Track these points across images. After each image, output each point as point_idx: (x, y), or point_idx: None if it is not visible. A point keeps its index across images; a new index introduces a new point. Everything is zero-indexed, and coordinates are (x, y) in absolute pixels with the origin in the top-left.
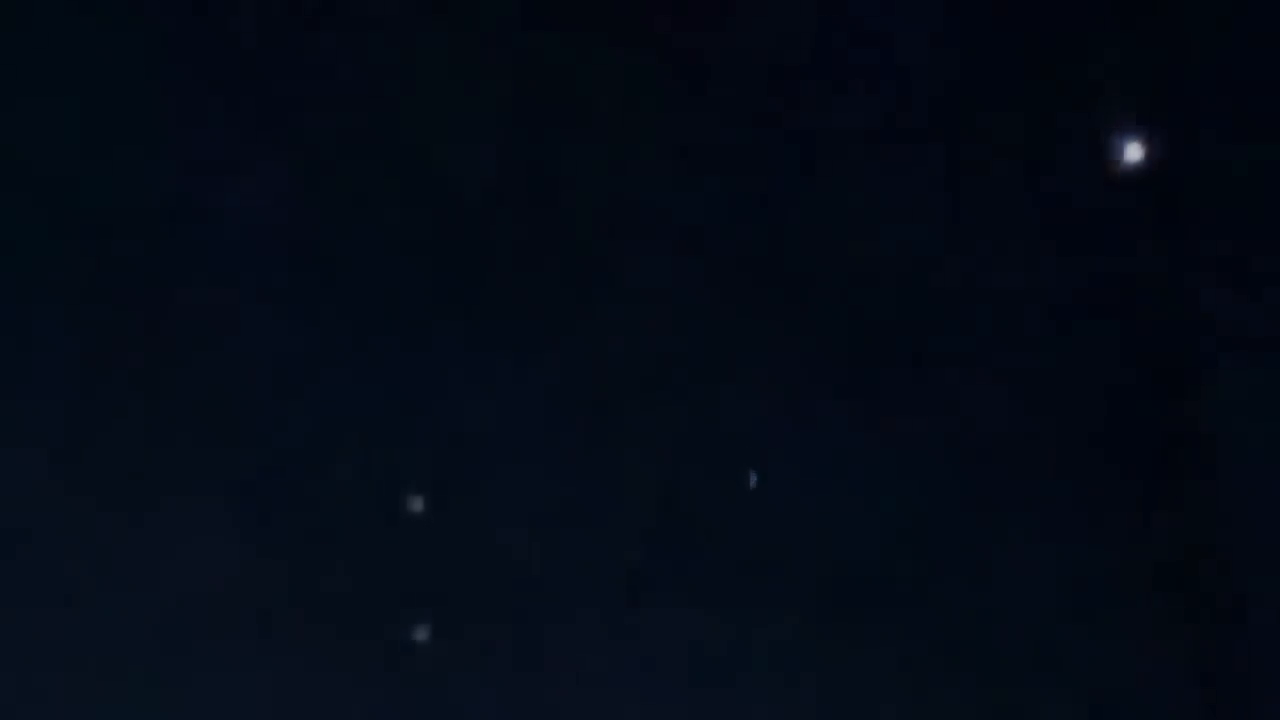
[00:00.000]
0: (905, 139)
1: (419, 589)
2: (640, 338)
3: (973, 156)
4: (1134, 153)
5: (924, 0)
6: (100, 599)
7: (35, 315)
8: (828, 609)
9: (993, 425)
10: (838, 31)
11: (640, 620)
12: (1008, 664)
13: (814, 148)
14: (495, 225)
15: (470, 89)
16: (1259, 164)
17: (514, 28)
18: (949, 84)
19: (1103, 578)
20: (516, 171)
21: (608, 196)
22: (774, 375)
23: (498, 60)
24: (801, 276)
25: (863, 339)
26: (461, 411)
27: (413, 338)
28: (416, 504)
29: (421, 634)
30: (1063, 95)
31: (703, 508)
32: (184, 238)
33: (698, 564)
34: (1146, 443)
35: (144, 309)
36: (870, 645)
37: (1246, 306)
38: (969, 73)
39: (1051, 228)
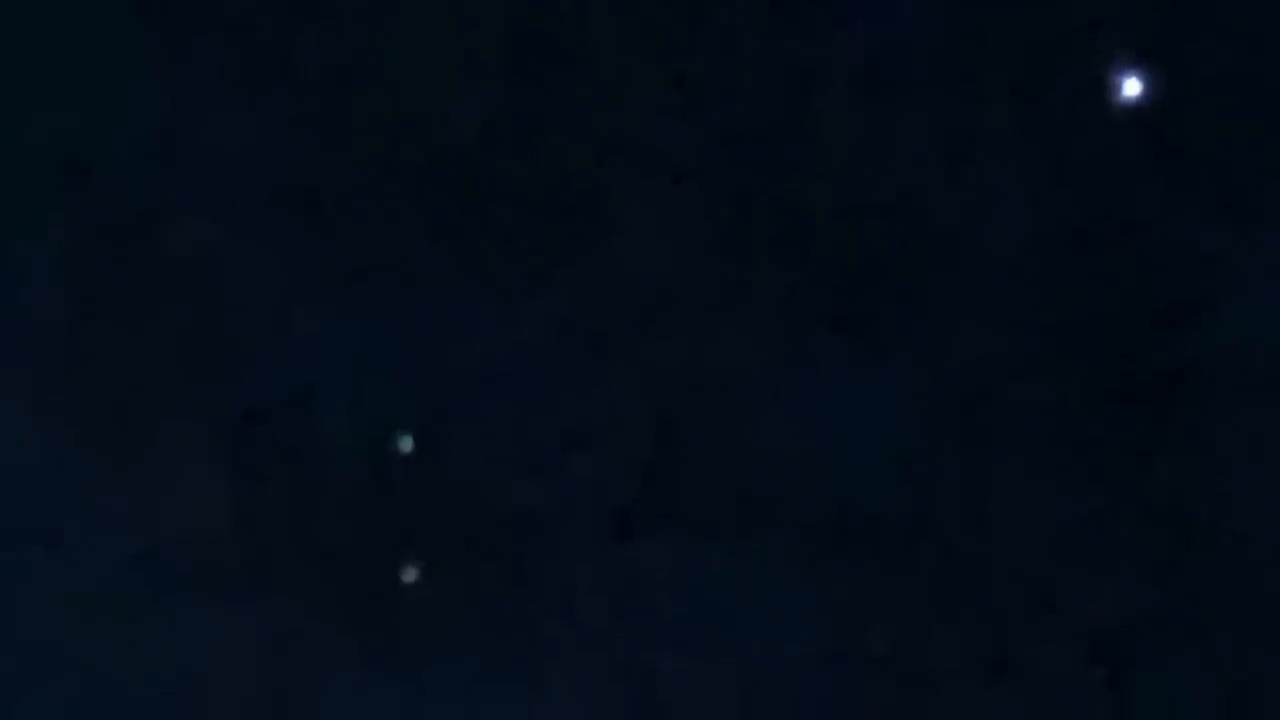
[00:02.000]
0: (903, 74)
1: (408, 528)
2: (633, 274)
3: (970, 93)
4: (1132, 89)
5: None
6: (86, 540)
7: (21, 252)
8: (821, 546)
9: (989, 363)
10: None
11: (632, 557)
12: (1003, 602)
13: (811, 83)
14: (487, 161)
15: (462, 23)
16: (1259, 101)
17: None
18: (947, 19)
19: (1099, 517)
20: (509, 106)
21: (601, 131)
22: (770, 311)
23: None
24: (798, 212)
25: (858, 275)
26: (452, 349)
27: (404, 274)
28: (406, 443)
29: (411, 574)
30: (1061, 31)
31: (696, 444)
32: (173, 174)
33: (690, 501)
34: (1144, 382)
35: (131, 246)
36: (863, 583)
37: (1245, 245)
38: (967, 7)
39: (1049, 165)
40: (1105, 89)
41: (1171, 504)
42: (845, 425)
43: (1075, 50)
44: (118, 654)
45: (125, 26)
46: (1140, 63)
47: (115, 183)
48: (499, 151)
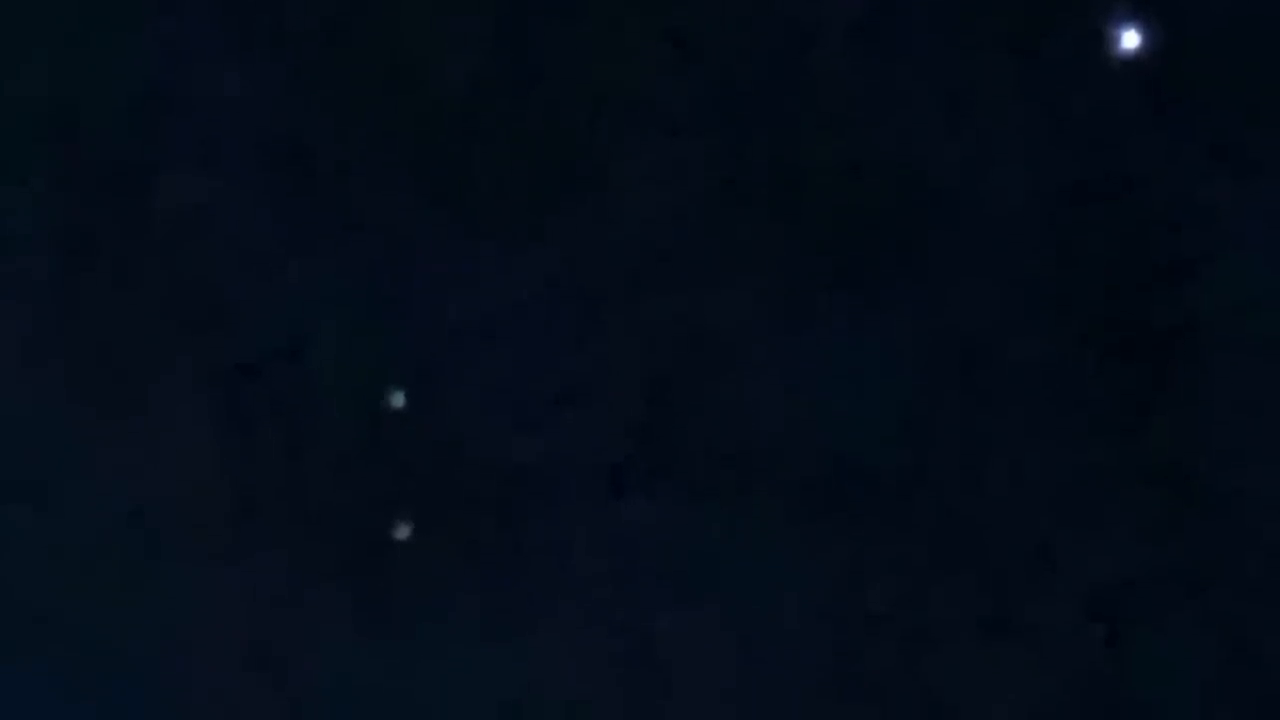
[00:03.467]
0: (901, 29)
1: (400, 485)
2: (629, 229)
3: (967, 47)
4: (1130, 41)
5: None
6: (77, 497)
7: (10, 205)
8: (817, 504)
9: (987, 320)
10: None
11: (626, 514)
12: (1000, 560)
13: (808, 37)
14: (482, 115)
15: None
16: (1257, 53)
17: None
18: None
19: (1097, 475)
20: (504, 60)
21: (597, 86)
22: (767, 268)
23: None
24: (795, 168)
25: (856, 231)
26: (446, 304)
27: (397, 229)
28: (398, 399)
29: (403, 531)
30: None
31: (692, 401)
32: (164, 128)
33: (686, 458)
34: (1143, 338)
35: (123, 201)
36: (860, 541)
37: (1244, 199)
38: None
39: (1047, 119)
40: (1103, 42)
41: (1171, 461)
42: (843, 382)
43: (1073, 3)
44: (108, 610)
45: None
46: (1138, 15)
47: (107, 136)
48: (493, 106)
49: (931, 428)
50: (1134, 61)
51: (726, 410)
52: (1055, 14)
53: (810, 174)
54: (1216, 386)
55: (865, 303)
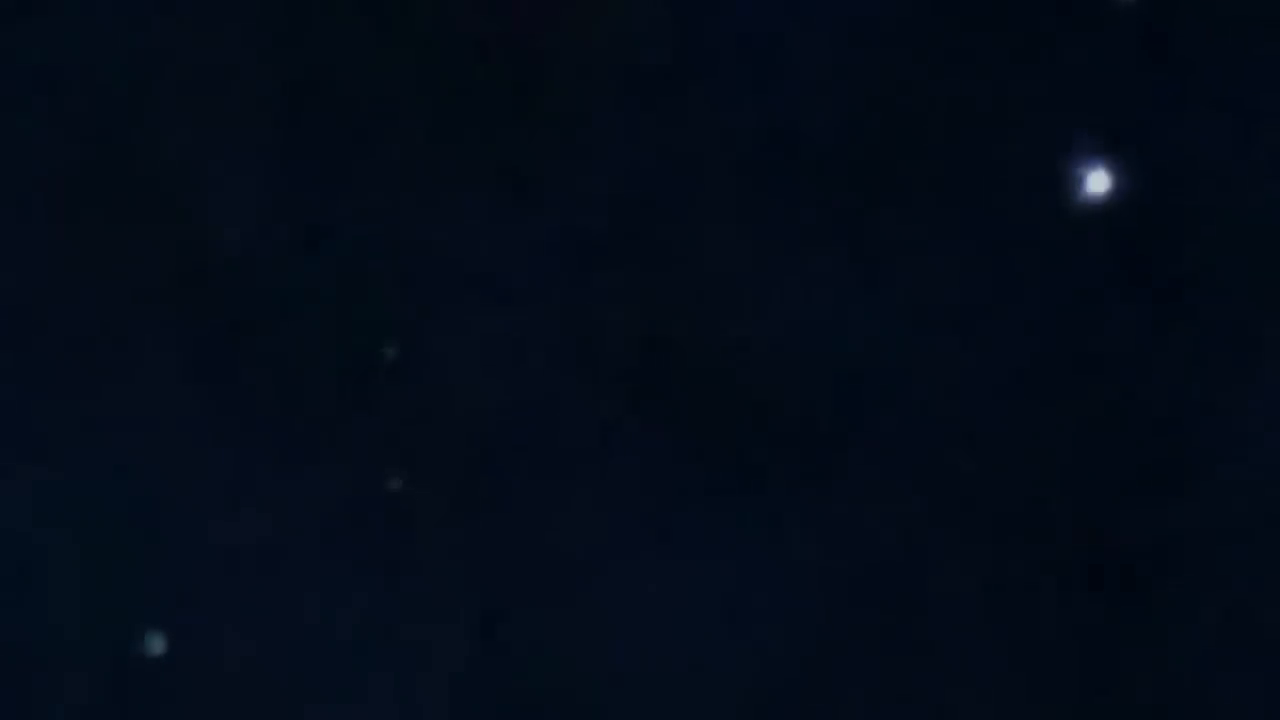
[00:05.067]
0: (804, 162)
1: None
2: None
3: (890, 184)
4: (1098, 184)
5: None
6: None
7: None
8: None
9: (912, 540)
10: None
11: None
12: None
13: (683, 171)
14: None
15: None
16: (1262, 200)
17: None
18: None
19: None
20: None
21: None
22: (624, 475)
23: None
24: (661, 344)
25: (740, 429)
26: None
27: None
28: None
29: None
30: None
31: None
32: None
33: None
34: (1110, 565)
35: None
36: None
37: (1250, 389)
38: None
39: (992, 279)
40: (1065, 183)
41: (1147, 715)
42: (723, 622)
43: (1026, 133)
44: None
45: None
46: (1109, 150)
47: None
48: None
49: (838, 682)
50: (1103, 209)
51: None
52: (1000, 147)
53: (679, 354)
54: (1204, 627)
55: (752, 522)
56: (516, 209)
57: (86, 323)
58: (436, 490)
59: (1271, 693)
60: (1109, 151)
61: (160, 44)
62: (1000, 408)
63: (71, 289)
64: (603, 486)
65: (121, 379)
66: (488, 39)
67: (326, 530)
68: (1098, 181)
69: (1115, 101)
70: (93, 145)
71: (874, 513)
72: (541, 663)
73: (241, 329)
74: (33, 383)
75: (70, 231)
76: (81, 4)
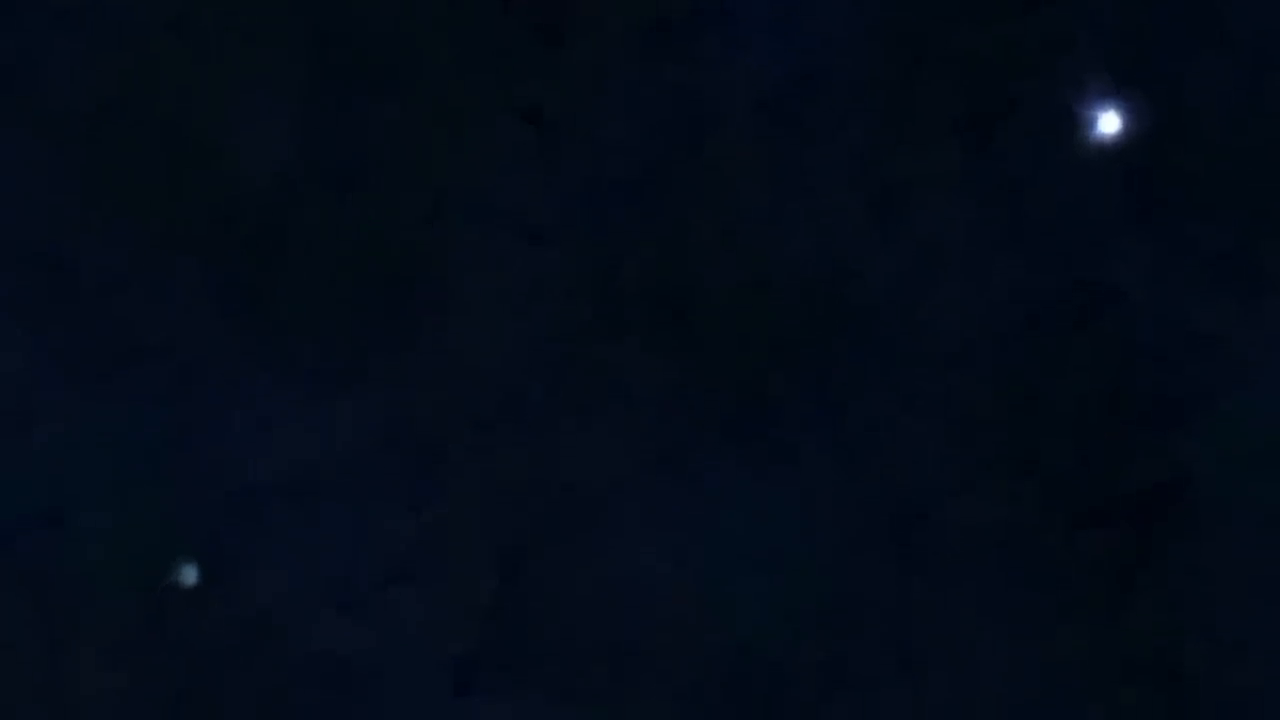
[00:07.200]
0: (820, 106)
1: (190, 680)
2: (474, 362)
3: (901, 130)
4: (1109, 124)
5: None
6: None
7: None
8: (710, 704)
9: (924, 477)
10: None
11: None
12: None
13: (699, 116)
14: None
15: (266, 42)
16: (1267, 138)
17: None
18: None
19: (1065, 672)
20: (317, 138)
21: (433, 180)
22: (643, 408)
23: None
24: (679, 282)
25: (758, 363)
26: (245, 455)
27: (182, 360)
28: (188, 574)
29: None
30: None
31: (551, 576)
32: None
33: (544, 647)
34: (1121, 502)
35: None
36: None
37: (1252, 321)
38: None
39: (1000, 221)
40: (1074, 125)
41: (1156, 653)
42: (742, 555)
43: (1036, 73)
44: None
45: None
46: (1119, 90)
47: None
48: (304, 199)
49: (854, 614)
50: (1113, 149)
51: (593, 585)
52: (1014, 89)
53: (699, 290)
54: (1212, 561)
55: (769, 454)
56: (540, 147)
57: (120, 258)
58: (462, 423)
59: (1278, 625)
60: (1120, 93)
61: None
62: (1011, 341)
63: (105, 225)
64: (624, 418)
65: (154, 313)
66: (303, 168)
67: (355, 462)
68: (1109, 122)
69: (1126, 43)
70: (125, 84)
71: (889, 444)
72: (564, 592)
73: (273, 264)
74: (68, 319)
75: (104, 169)
76: None
